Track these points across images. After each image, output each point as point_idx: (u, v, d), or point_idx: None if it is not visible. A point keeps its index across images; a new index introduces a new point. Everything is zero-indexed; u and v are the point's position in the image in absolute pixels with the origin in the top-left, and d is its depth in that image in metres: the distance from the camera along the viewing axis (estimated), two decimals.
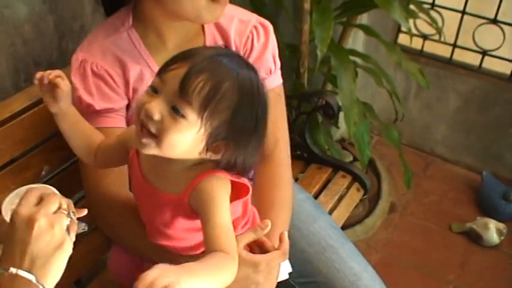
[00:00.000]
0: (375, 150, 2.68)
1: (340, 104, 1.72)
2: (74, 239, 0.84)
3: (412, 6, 1.95)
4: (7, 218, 0.82)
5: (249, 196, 1.00)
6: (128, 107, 1.17)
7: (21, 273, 0.76)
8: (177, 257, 1.03)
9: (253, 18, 1.22)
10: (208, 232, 0.88)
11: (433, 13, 2.37)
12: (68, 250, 0.81)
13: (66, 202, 0.85)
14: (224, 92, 0.83)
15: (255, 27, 1.21)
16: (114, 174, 1.15)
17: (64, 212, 0.82)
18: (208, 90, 0.82)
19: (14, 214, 0.79)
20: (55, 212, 0.81)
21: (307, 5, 1.79)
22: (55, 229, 0.79)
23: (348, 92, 1.70)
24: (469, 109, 2.53)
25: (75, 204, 1.22)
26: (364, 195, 1.79)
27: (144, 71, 1.14)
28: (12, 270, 0.76)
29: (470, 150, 2.61)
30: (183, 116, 0.83)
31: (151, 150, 0.86)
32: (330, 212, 1.66)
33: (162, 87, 0.84)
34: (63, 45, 1.53)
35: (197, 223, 0.92)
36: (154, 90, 0.85)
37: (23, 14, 1.40)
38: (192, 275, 0.75)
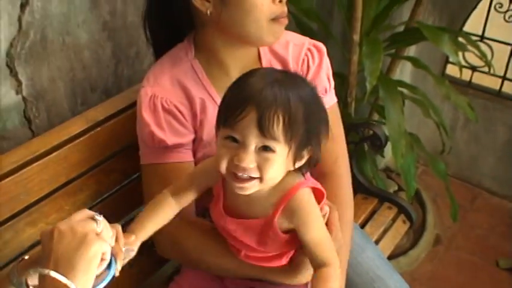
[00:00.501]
0: (420, 181, 2.65)
1: (387, 134, 1.72)
2: (120, 268, 0.86)
3: (461, 39, 1.94)
4: None
5: (324, 200, 1.05)
6: (194, 140, 1.19)
7: (47, 272, 0.78)
8: (263, 272, 1.08)
9: (306, 41, 1.26)
10: (310, 248, 0.98)
11: (482, 45, 2.36)
12: (92, 244, 0.80)
13: (112, 228, 0.86)
14: (295, 114, 0.89)
15: (309, 49, 1.25)
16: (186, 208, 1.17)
17: (94, 218, 0.84)
18: (283, 120, 0.88)
19: (40, 234, 0.83)
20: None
21: (356, 37, 1.81)
22: (76, 230, 0.81)
23: (395, 124, 1.70)
24: None
25: (126, 225, 1.26)
26: (409, 228, 1.77)
27: (206, 102, 1.17)
28: (31, 271, 0.81)
29: None
30: (272, 151, 0.89)
31: (255, 188, 0.93)
32: (376, 243, 1.65)
33: (240, 136, 0.89)
34: (118, 71, 1.59)
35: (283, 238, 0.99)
36: (234, 140, 0.90)
37: (83, 40, 1.46)
38: None
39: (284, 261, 1.07)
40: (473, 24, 2.42)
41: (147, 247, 1.41)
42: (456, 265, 2.28)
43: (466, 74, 2.51)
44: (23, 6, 1.30)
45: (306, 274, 1.08)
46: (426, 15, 2.41)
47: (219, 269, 1.16)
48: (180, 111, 1.15)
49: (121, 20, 1.52)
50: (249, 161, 0.89)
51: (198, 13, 1.11)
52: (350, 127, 1.80)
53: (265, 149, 0.89)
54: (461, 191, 2.61)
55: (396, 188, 2.58)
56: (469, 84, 2.52)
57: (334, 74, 2.03)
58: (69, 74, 1.47)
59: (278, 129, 0.88)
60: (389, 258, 2.21)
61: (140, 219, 1.00)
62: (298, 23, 2.02)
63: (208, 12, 1.09)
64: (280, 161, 0.91)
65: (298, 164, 0.95)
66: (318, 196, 1.02)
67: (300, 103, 0.90)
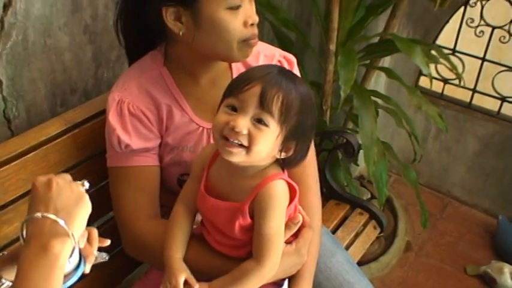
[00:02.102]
0: (392, 189, 2.72)
1: (360, 143, 1.77)
2: (88, 271, 0.87)
3: (433, 52, 2.00)
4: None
5: (297, 197, 1.09)
6: (160, 144, 1.23)
7: (49, 215, 0.78)
8: (225, 262, 1.11)
9: (277, 52, 1.31)
10: (256, 238, 1.04)
11: (454, 58, 2.43)
12: (88, 205, 0.84)
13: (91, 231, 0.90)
14: (292, 101, 0.99)
15: (279, 61, 1.29)
16: (150, 206, 1.21)
17: (78, 182, 0.86)
18: (282, 101, 0.98)
19: (34, 181, 0.83)
20: None
21: (332, 47, 1.86)
22: (73, 186, 0.83)
23: (368, 132, 1.75)
24: (488, 153, 2.56)
25: (101, 225, 1.28)
26: (380, 233, 1.82)
27: (173, 108, 1.20)
28: (38, 214, 0.79)
29: (488, 194, 2.63)
30: (266, 125, 0.98)
31: (241, 158, 1.00)
32: (346, 248, 1.69)
33: (241, 105, 0.99)
34: (99, 74, 1.61)
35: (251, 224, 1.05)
36: (233, 109, 0.99)
37: (64, 43, 1.48)
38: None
39: (243, 253, 1.10)
40: (446, 38, 2.49)
41: (121, 249, 1.44)
42: (426, 271, 2.33)
43: (439, 86, 2.59)
44: (5, 7, 1.31)
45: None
46: (401, 28, 2.48)
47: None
48: (146, 116, 1.18)
49: (102, 23, 1.54)
50: (243, 126, 0.97)
51: (171, 30, 1.14)
52: (324, 135, 1.85)
53: (260, 121, 0.98)
54: (432, 199, 2.69)
55: (369, 195, 2.63)
56: (441, 95, 2.59)
57: (311, 83, 2.10)
58: (49, 75, 1.48)
59: (276, 107, 0.97)
60: (361, 264, 2.27)
61: (169, 244, 1.11)
62: (277, 33, 2.06)
63: (181, 33, 1.13)
64: (270, 138, 0.99)
65: (283, 155, 1.03)
66: (291, 194, 1.07)
67: (298, 96, 1.00)
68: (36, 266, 0.75)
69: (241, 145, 0.98)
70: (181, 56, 1.19)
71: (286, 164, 1.06)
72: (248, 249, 1.07)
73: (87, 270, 0.87)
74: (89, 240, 0.89)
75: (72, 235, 0.79)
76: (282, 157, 1.04)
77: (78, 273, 0.85)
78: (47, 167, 1.28)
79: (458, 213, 2.65)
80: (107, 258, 0.93)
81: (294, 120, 1.00)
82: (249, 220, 1.04)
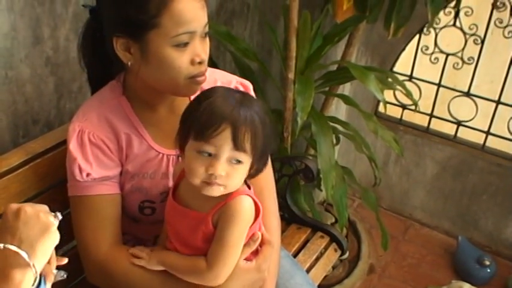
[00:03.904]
0: (356, 213, 2.78)
1: (319, 167, 1.82)
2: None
3: (389, 79, 2.08)
4: None
5: (261, 215, 1.16)
6: (121, 172, 1.25)
7: (11, 247, 0.81)
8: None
9: (234, 79, 1.35)
10: (214, 244, 1.10)
11: (411, 84, 2.53)
12: (54, 236, 0.86)
13: None
14: (258, 131, 1.06)
15: (236, 87, 1.32)
16: (112, 234, 1.24)
17: (51, 213, 0.89)
18: (251, 136, 1.05)
19: (6, 208, 0.86)
20: None
21: (291, 75, 1.92)
22: (41, 216, 0.86)
23: (326, 157, 1.80)
24: (446, 176, 2.64)
25: (64, 254, 1.30)
26: (341, 256, 1.86)
27: (132, 136, 1.23)
28: (0, 245, 0.82)
29: (447, 216, 2.70)
30: (241, 163, 1.06)
31: (219, 192, 1.07)
32: (308, 271, 1.72)
33: (215, 150, 1.04)
34: (61, 104, 1.63)
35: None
36: (209, 155, 1.05)
37: (25, 75, 1.50)
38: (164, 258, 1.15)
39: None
40: (403, 65, 2.59)
41: (82, 278, 1.45)
42: None
43: (397, 112, 2.68)
44: None
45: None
46: (359, 56, 2.57)
47: None
48: (106, 145, 1.20)
49: (64, 55, 1.57)
50: (221, 169, 1.04)
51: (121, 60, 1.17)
52: (284, 160, 1.90)
53: (236, 162, 1.06)
54: (394, 222, 2.75)
55: (334, 220, 2.67)
56: (400, 121, 2.68)
57: (273, 111, 2.16)
58: (11, 107, 1.50)
59: (247, 144, 1.04)
60: (326, 287, 2.30)
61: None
62: (237, 63, 2.11)
63: (129, 64, 1.16)
64: (244, 171, 1.08)
65: (251, 171, 1.11)
66: (256, 211, 1.13)
67: (260, 122, 1.07)
68: None
69: (219, 184, 1.06)
70: (137, 86, 1.22)
71: (249, 176, 1.13)
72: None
73: (48, 287, 0.89)
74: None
75: (33, 265, 0.82)
76: (247, 174, 1.11)
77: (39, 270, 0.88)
78: (8, 197, 1.29)
79: (419, 235, 2.72)
80: (65, 276, 0.95)
81: (260, 145, 1.07)
82: (211, 228, 1.10)
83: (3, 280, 0.80)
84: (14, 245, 0.82)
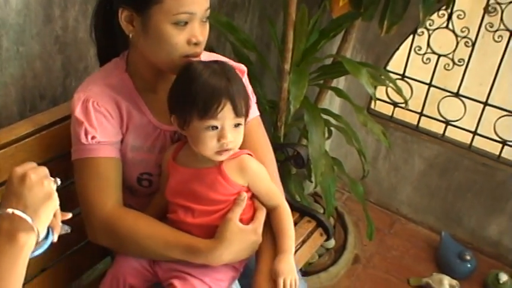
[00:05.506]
0: (344, 206, 2.87)
1: (309, 155, 1.91)
2: (56, 240, 0.98)
3: (383, 76, 2.16)
4: None
5: None
6: (122, 141, 1.33)
7: (18, 212, 0.89)
8: (187, 252, 1.25)
9: (229, 62, 1.41)
10: (263, 196, 1.30)
11: (403, 83, 2.62)
12: (55, 202, 0.94)
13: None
14: (244, 92, 1.23)
15: None
16: (115, 195, 1.31)
17: (51, 178, 0.96)
18: (243, 101, 1.21)
19: (11, 172, 0.93)
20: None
21: (287, 66, 2.01)
22: (44, 183, 0.92)
23: (317, 145, 1.89)
24: (432, 173, 2.73)
25: (74, 216, 1.37)
26: (326, 240, 1.95)
27: (133, 110, 1.31)
28: (9, 210, 0.89)
29: (432, 212, 2.80)
30: (241, 124, 1.22)
31: (228, 155, 1.23)
32: (294, 253, 1.81)
33: (221, 122, 1.19)
34: (67, 82, 1.72)
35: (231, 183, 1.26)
36: (213, 128, 1.19)
37: (35, 51, 1.59)
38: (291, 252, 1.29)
39: (218, 220, 1.26)
40: (396, 64, 2.67)
41: (83, 244, 1.53)
42: (372, 282, 2.48)
43: (389, 109, 2.77)
44: None
45: (225, 253, 1.23)
46: (355, 53, 2.66)
47: (149, 251, 1.28)
48: (109, 113, 1.28)
49: (72, 35, 1.66)
50: (229, 137, 1.19)
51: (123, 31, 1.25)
52: (277, 147, 1.97)
53: (236, 125, 1.21)
54: (381, 216, 2.85)
55: (322, 211, 2.76)
56: (390, 118, 2.77)
57: (269, 101, 2.24)
58: (20, 81, 1.58)
59: (243, 108, 1.21)
60: (311, 273, 2.40)
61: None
62: (237, 53, 2.19)
63: (131, 36, 1.24)
64: (243, 129, 1.24)
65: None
66: None
67: (241, 85, 1.23)
68: (2, 255, 0.87)
69: (230, 148, 1.22)
70: (139, 64, 1.30)
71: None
72: (219, 214, 1.26)
73: (55, 239, 0.98)
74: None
75: (37, 229, 0.90)
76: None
77: (48, 242, 0.96)
78: (14, 164, 1.28)
79: (405, 229, 2.81)
80: (69, 230, 1.03)
81: (246, 101, 1.23)
82: (229, 178, 1.24)
83: (9, 241, 0.88)
84: (20, 210, 0.89)
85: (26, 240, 0.89)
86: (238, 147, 1.25)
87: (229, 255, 1.24)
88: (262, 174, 1.30)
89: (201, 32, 1.22)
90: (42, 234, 0.93)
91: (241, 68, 1.41)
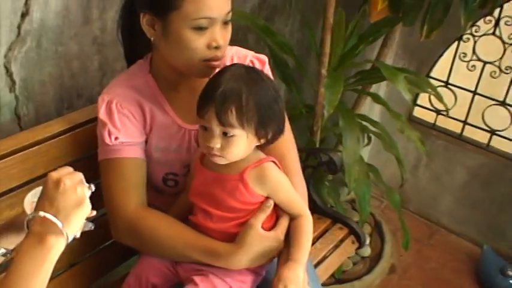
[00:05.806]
0: (383, 214, 2.82)
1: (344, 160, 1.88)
2: (79, 236, 1.00)
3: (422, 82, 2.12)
4: (28, 211, 0.98)
5: None
6: (146, 142, 1.35)
7: (49, 216, 0.91)
8: (208, 255, 1.25)
9: (249, 54, 1.42)
10: (285, 205, 1.27)
11: (446, 90, 2.55)
12: (86, 209, 0.96)
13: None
14: (247, 105, 1.15)
15: (251, 61, 1.40)
16: (139, 196, 1.33)
17: (86, 184, 0.98)
18: (236, 111, 1.14)
19: (47, 177, 0.95)
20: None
21: (324, 71, 1.99)
22: (78, 190, 0.95)
23: (351, 151, 1.87)
24: (476, 184, 2.65)
25: (103, 215, 1.40)
26: (358, 248, 1.92)
27: (156, 112, 1.33)
28: (41, 213, 0.92)
29: (474, 224, 2.71)
30: (232, 135, 1.16)
31: (224, 161, 1.21)
32: (323, 259, 1.79)
33: (207, 125, 1.18)
34: (104, 82, 1.75)
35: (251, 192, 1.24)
36: (205, 129, 1.19)
37: (74, 51, 1.63)
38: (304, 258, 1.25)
39: (238, 228, 1.25)
40: (440, 71, 2.61)
41: (109, 244, 1.55)
42: None
43: (432, 117, 2.70)
44: (23, 16, 1.47)
45: (244, 258, 1.23)
46: (397, 59, 2.61)
47: (170, 251, 1.29)
48: (132, 114, 1.30)
49: (110, 36, 1.69)
50: (214, 142, 1.17)
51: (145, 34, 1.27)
52: (310, 152, 1.97)
53: (226, 134, 1.16)
54: (421, 226, 2.78)
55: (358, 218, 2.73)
56: (433, 126, 2.70)
57: (306, 106, 2.23)
58: (58, 80, 1.63)
59: (232, 119, 1.14)
60: (345, 281, 2.36)
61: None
62: (275, 57, 2.17)
63: (152, 39, 1.26)
64: (240, 142, 1.18)
65: (263, 140, 1.22)
66: None
67: (251, 96, 1.15)
68: (30, 256, 0.90)
69: (219, 155, 1.19)
70: (161, 66, 1.32)
71: (269, 142, 1.24)
72: (236, 222, 1.25)
73: (78, 235, 0.99)
74: None
75: (67, 234, 0.93)
76: (263, 142, 1.23)
77: (71, 238, 0.98)
78: (48, 160, 1.40)
79: (444, 241, 2.73)
80: (92, 227, 1.05)
81: (256, 117, 1.16)
82: (250, 187, 1.22)
83: (38, 243, 0.91)
84: (51, 214, 0.92)
85: (54, 243, 0.91)
86: (233, 157, 1.21)
87: (248, 261, 1.24)
88: (283, 183, 1.27)
89: (221, 35, 1.22)
90: (71, 238, 0.95)
91: (261, 58, 1.40)
